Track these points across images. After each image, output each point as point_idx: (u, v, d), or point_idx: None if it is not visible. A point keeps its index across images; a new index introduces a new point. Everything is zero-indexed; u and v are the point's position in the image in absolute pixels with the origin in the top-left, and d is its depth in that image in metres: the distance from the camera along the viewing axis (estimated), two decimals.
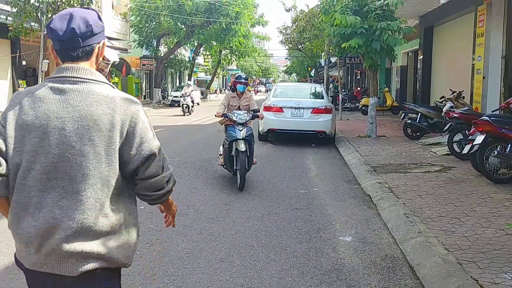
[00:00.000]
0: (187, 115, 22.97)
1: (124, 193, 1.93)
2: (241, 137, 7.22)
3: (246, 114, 7.53)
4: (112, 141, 1.83)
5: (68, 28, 1.86)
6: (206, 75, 56.36)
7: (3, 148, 1.83)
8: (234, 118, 7.43)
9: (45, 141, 1.80)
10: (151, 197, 1.99)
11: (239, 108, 7.85)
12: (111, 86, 1.93)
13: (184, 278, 4.05)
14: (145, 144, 1.89)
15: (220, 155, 8.11)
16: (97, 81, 1.90)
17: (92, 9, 1.98)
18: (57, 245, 1.78)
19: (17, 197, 1.83)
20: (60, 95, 1.84)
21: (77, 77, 1.87)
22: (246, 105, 7.99)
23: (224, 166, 7.84)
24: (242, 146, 7.18)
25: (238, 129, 7.31)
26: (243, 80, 8.15)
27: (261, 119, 7.59)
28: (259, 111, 7.97)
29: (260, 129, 12.89)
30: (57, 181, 1.80)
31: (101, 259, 1.84)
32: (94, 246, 1.82)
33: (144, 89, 38.83)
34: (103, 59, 2.03)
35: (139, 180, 1.93)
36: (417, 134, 12.48)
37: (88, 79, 1.88)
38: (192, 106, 24.23)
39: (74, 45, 1.88)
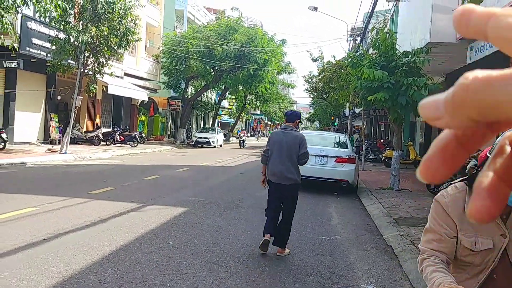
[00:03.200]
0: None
1: (296, 161, 6.27)
2: None
3: None
4: (296, 146, 6.25)
5: (289, 113, 6.76)
6: (230, 118, 57.27)
7: (270, 147, 6.42)
8: None
9: (279, 145, 6.29)
10: (302, 162, 6.28)
11: None
12: (297, 131, 6.62)
13: None
14: (304, 149, 6.26)
15: None
16: (294, 130, 6.50)
17: (297, 111, 7.03)
18: (284, 175, 6.24)
19: (270, 161, 6.34)
20: (284, 134, 6.40)
21: (289, 128, 6.46)
22: None
23: None
24: None
25: None
26: None
27: None
28: None
29: None
30: (283, 157, 6.23)
31: (294, 180, 6.27)
32: (292, 176, 6.25)
33: (169, 128, 39.64)
34: (298, 124, 6.68)
35: (300, 157, 6.24)
36: (440, 189, 12.50)
37: (292, 129, 6.46)
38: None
39: (290, 118, 6.60)
